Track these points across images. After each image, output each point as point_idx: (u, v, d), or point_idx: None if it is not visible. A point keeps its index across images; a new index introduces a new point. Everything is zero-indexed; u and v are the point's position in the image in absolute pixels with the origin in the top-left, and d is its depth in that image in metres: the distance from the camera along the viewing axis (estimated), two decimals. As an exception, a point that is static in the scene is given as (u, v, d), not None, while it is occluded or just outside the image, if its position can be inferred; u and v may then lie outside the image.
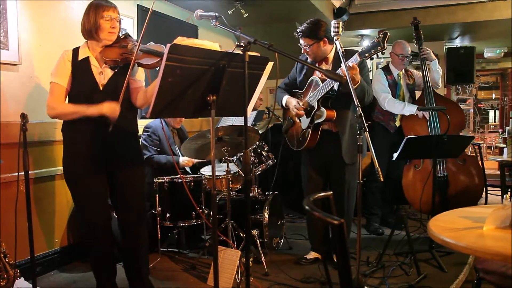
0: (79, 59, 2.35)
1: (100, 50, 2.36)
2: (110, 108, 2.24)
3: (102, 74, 2.35)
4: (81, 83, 2.34)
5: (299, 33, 3.09)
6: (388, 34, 2.62)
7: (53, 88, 2.35)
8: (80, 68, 2.34)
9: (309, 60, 3.13)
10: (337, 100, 2.98)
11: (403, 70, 4.06)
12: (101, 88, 2.34)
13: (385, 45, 2.62)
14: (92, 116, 2.26)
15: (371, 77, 4.29)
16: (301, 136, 3.18)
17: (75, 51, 2.38)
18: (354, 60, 2.77)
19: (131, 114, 2.52)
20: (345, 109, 3.06)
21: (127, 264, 2.61)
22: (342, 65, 2.68)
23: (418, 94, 4.20)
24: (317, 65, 3.10)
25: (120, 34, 2.40)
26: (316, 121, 3.04)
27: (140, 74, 2.50)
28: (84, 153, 2.36)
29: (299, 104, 3.11)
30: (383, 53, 2.72)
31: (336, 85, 2.88)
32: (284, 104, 3.27)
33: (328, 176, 3.26)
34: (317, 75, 3.13)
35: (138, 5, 3.98)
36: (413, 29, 4.04)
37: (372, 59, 2.75)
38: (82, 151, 2.36)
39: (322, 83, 2.95)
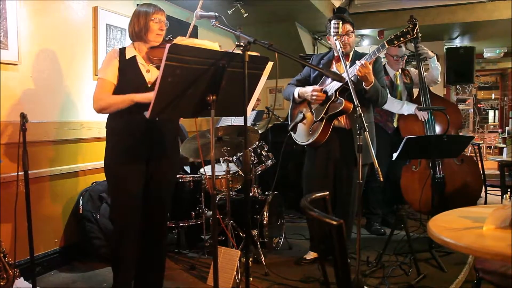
0: (127, 57, 2.42)
1: (147, 50, 2.44)
2: None
3: (149, 72, 2.43)
4: (129, 80, 2.40)
5: (341, 20, 2.86)
6: (418, 24, 2.65)
7: (101, 83, 2.40)
8: (128, 66, 2.41)
9: (340, 52, 2.82)
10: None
11: (400, 70, 4.07)
12: (148, 85, 2.40)
13: (415, 33, 2.64)
14: (142, 102, 2.28)
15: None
16: (312, 128, 3.10)
17: (122, 50, 2.46)
18: (378, 50, 2.76)
19: None
20: (362, 106, 2.89)
21: (145, 262, 2.61)
22: (357, 62, 2.72)
23: (416, 92, 4.19)
24: (344, 59, 3.03)
25: (165, 37, 2.48)
26: (331, 112, 2.96)
27: None
28: (130, 148, 2.41)
29: (317, 90, 2.99)
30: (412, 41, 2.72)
31: (354, 77, 2.83)
32: (297, 95, 3.15)
33: (335, 177, 3.18)
34: (334, 68, 3.08)
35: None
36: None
37: (400, 47, 2.80)
38: (128, 146, 2.41)
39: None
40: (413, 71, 4.19)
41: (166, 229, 2.69)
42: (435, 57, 3.99)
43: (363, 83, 2.83)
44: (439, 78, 4.08)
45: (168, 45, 1.69)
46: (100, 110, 2.40)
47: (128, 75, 2.40)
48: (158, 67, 2.43)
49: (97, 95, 2.39)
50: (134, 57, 2.43)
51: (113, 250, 2.58)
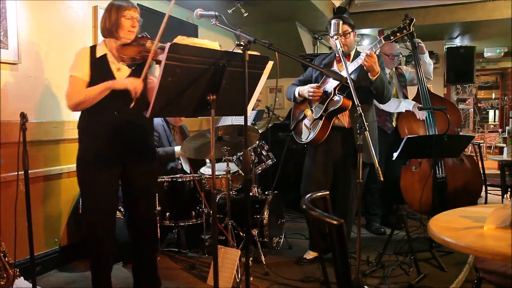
0: (97, 56, 2.38)
1: (118, 48, 2.38)
2: (133, 83, 2.26)
3: (120, 71, 2.39)
4: (99, 80, 2.35)
5: (337, 20, 2.85)
6: (414, 19, 2.66)
7: (73, 80, 2.35)
8: (98, 65, 2.37)
9: (340, 52, 2.79)
10: (357, 94, 2.88)
11: (394, 69, 4.07)
12: None
13: (411, 28, 2.68)
14: (120, 89, 2.27)
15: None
16: (311, 126, 3.11)
17: (92, 48, 2.41)
18: (375, 46, 2.77)
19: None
20: (364, 104, 2.86)
21: (137, 260, 2.62)
22: (362, 53, 2.74)
23: (410, 90, 4.19)
24: (344, 59, 2.90)
25: (138, 34, 2.43)
26: (330, 109, 2.96)
27: (157, 74, 2.52)
28: (101, 150, 2.38)
29: (314, 87, 3.02)
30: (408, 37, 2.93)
31: (354, 76, 2.84)
32: (297, 94, 3.18)
33: (335, 177, 3.17)
34: (335, 68, 3.09)
35: (138, 4, 3.97)
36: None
37: (397, 42, 2.88)
38: (98, 148, 2.38)
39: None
40: (405, 68, 4.20)
41: (153, 229, 2.64)
42: (427, 53, 3.99)
43: (369, 74, 2.82)
44: (432, 74, 4.08)
45: (168, 44, 1.69)
46: (74, 106, 2.34)
47: (98, 75, 2.35)
48: (129, 66, 2.40)
49: (69, 92, 2.33)
50: (104, 56, 2.38)
51: (89, 252, 2.56)
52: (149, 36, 2.47)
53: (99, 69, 2.36)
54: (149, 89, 2.45)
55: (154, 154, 2.66)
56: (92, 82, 2.35)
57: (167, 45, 1.69)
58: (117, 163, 2.44)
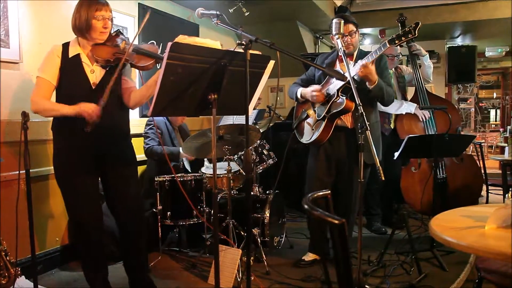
0: (70, 55, 2.30)
1: (91, 48, 2.31)
2: (86, 110, 2.16)
3: (94, 73, 2.32)
4: (72, 81, 2.29)
5: (343, 20, 2.81)
6: (420, 23, 2.64)
7: (39, 83, 2.29)
8: (71, 65, 2.29)
9: (342, 51, 2.76)
10: (360, 95, 2.74)
11: (393, 69, 4.06)
12: (93, 87, 2.30)
13: (416, 33, 2.64)
14: (69, 115, 2.20)
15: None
16: (314, 126, 3.10)
17: (65, 46, 2.32)
18: (379, 49, 2.74)
19: (123, 113, 2.50)
20: (367, 105, 2.85)
21: (127, 262, 2.61)
22: (359, 61, 2.73)
23: (409, 91, 4.18)
24: (347, 59, 2.84)
25: (112, 32, 2.36)
26: (333, 111, 2.95)
27: (133, 74, 2.49)
28: (75, 152, 2.33)
29: (316, 90, 3.00)
30: (413, 40, 2.86)
31: (357, 76, 2.83)
32: (299, 95, 3.16)
33: (338, 176, 3.17)
34: (337, 67, 3.09)
35: (139, 4, 3.97)
36: (399, 26, 4.00)
37: (401, 46, 2.85)
38: (72, 150, 2.33)
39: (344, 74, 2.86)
40: (405, 69, 4.19)
41: (140, 231, 2.58)
42: (428, 55, 3.98)
43: (366, 83, 2.82)
44: (431, 76, 4.07)
45: (169, 44, 1.69)
46: (35, 112, 2.31)
47: (71, 76, 2.28)
48: (103, 67, 2.33)
49: (33, 97, 2.28)
50: (78, 56, 2.30)
51: (81, 257, 2.56)
52: (122, 33, 2.41)
53: (72, 70, 2.28)
54: (124, 89, 2.41)
55: (133, 156, 2.60)
56: (64, 84, 2.29)
57: (168, 44, 1.69)
58: (93, 167, 2.39)
